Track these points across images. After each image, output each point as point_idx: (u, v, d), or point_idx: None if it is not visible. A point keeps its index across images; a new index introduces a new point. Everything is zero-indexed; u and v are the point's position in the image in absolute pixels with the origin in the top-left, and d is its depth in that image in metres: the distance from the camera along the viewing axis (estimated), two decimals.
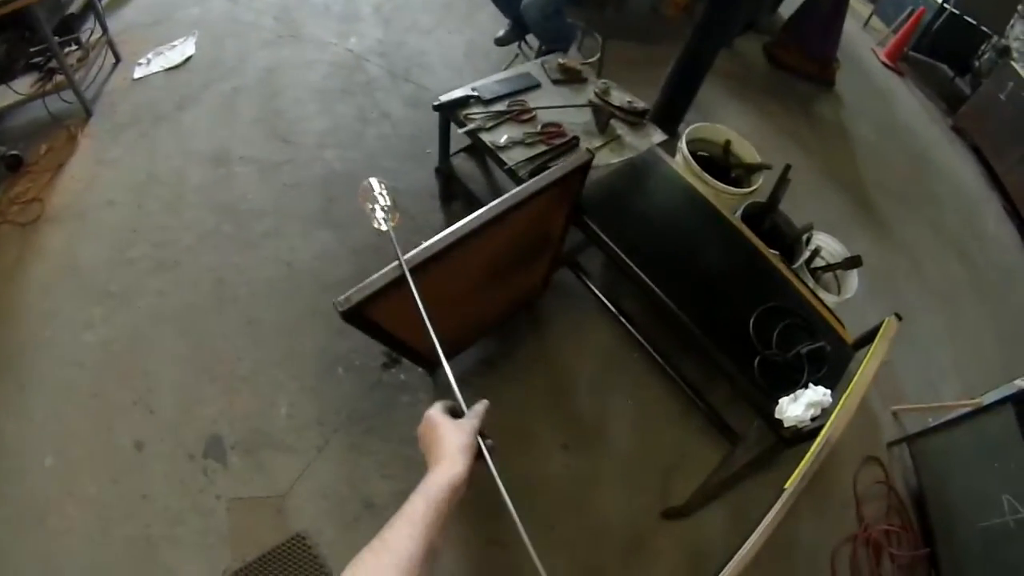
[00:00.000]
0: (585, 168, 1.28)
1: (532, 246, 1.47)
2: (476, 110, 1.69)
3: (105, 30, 2.57)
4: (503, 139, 1.63)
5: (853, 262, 1.84)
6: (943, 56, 3.92)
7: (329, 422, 1.64)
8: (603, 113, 1.73)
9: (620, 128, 1.78)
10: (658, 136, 1.80)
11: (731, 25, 2.20)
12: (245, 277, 1.92)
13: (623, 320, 1.78)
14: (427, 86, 2.55)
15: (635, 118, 1.78)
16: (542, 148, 1.64)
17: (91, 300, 1.88)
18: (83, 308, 1.86)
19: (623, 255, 1.37)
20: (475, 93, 1.73)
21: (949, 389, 2.08)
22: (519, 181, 1.53)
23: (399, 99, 2.50)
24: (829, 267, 1.89)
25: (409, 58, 2.68)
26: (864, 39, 4.05)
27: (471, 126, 1.63)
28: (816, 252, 1.90)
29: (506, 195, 1.13)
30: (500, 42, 2.40)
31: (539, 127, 1.69)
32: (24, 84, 2.40)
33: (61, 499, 1.46)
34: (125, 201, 2.17)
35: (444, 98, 1.71)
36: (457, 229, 1.06)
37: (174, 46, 2.71)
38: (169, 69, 2.60)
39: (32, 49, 2.37)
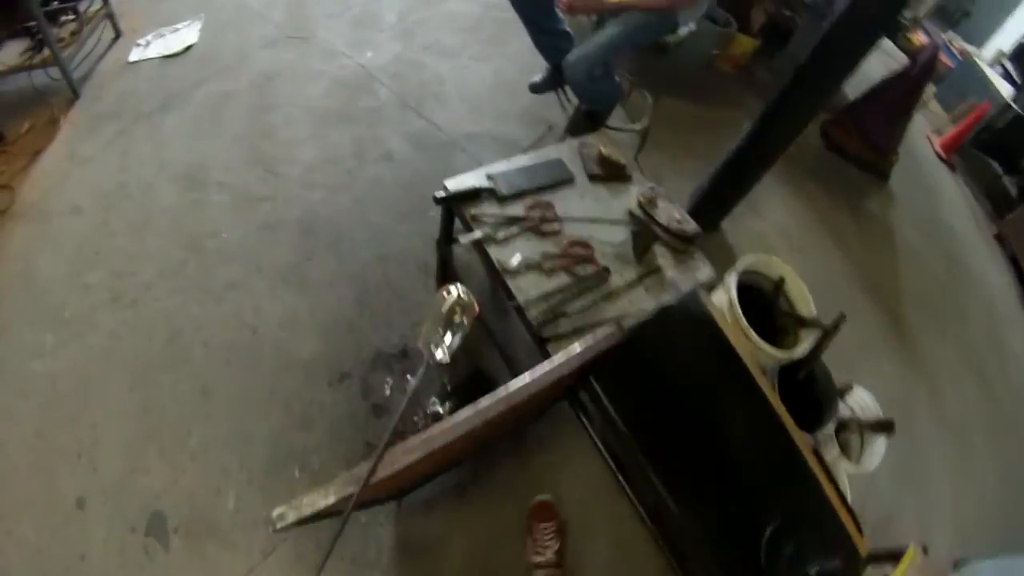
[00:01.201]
0: (614, 348, 1.27)
1: (528, 411, 1.50)
2: (488, 210, 1.60)
3: (106, 1, 2.64)
4: (515, 260, 1.51)
5: (884, 427, 1.85)
6: (996, 152, 4.07)
7: (282, 533, 1.75)
8: (644, 237, 1.63)
9: (662, 256, 1.65)
10: (705, 272, 1.69)
11: (809, 112, 2.17)
12: (203, 335, 2.04)
13: (616, 473, 1.77)
14: (439, 124, 2.59)
15: (681, 244, 1.66)
16: (563, 280, 1.52)
17: (44, 323, 2.02)
18: (35, 330, 2.00)
19: (626, 429, 1.34)
20: (490, 185, 1.64)
21: (941, 532, 2.17)
22: (528, 324, 1.48)
23: (405, 136, 2.57)
24: (856, 424, 1.91)
25: (424, 84, 2.72)
26: (919, 121, 4.06)
27: (478, 235, 1.55)
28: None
29: (508, 393, 1.11)
30: (535, 89, 2.43)
31: (563, 244, 1.58)
32: (13, 52, 2.49)
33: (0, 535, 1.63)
34: (92, 211, 2.32)
35: (451, 186, 1.63)
36: (447, 431, 1.02)
37: (177, 29, 2.79)
38: (166, 57, 2.70)
39: (20, 15, 2.44)
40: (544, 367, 1.17)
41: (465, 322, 0.86)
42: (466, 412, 1.06)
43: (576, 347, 1.24)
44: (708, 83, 3.11)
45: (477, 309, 0.88)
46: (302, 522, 0.95)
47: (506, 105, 2.71)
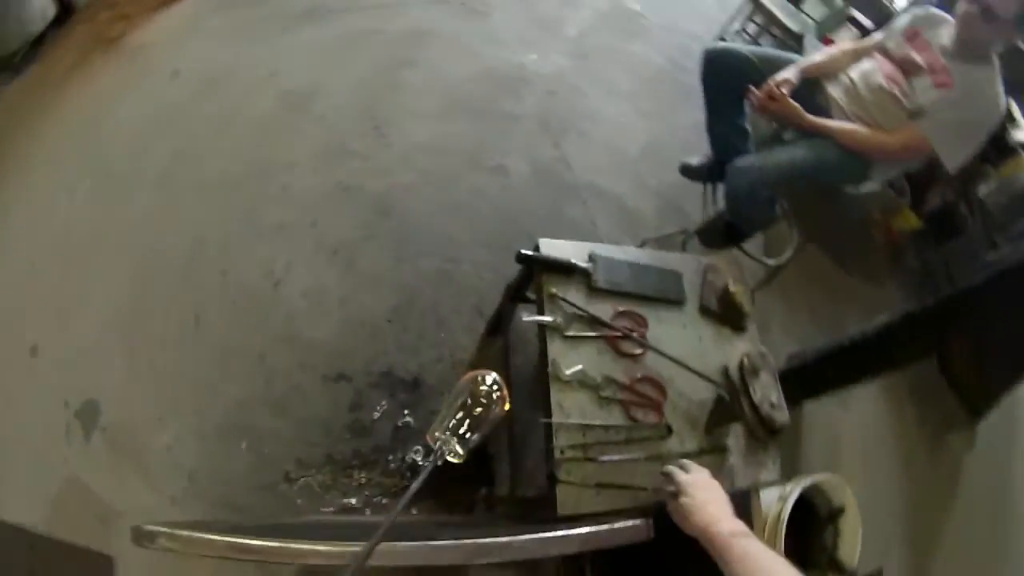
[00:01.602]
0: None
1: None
2: (572, 294, 1.60)
3: None
4: (572, 370, 1.49)
5: None
6: None
7: (199, 486, 1.87)
8: (726, 411, 1.61)
9: (734, 435, 1.64)
10: (771, 473, 1.68)
11: (949, 339, 2.23)
12: (224, 262, 2.20)
13: None
14: (571, 162, 2.76)
15: (763, 433, 1.65)
16: (615, 417, 1.49)
17: (89, 166, 2.30)
18: (78, 168, 2.29)
19: None
20: (587, 267, 1.64)
21: None
22: (548, 451, 1.43)
23: (529, 158, 2.73)
24: None
25: (575, 114, 2.91)
26: None
27: (546, 319, 1.55)
28: None
29: (473, 547, 1.09)
30: (686, 172, 2.55)
31: (635, 376, 1.56)
32: None
33: None
34: (188, 84, 2.58)
35: (543, 248, 1.64)
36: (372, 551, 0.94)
37: None
38: None
39: None
40: (533, 540, 1.12)
41: (490, 418, 0.86)
42: (413, 546, 1.04)
43: (584, 530, 1.20)
44: (856, 243, 3.14)
45: (507, 407, 0.89)
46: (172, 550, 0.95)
47: (649, 174, 2.82)
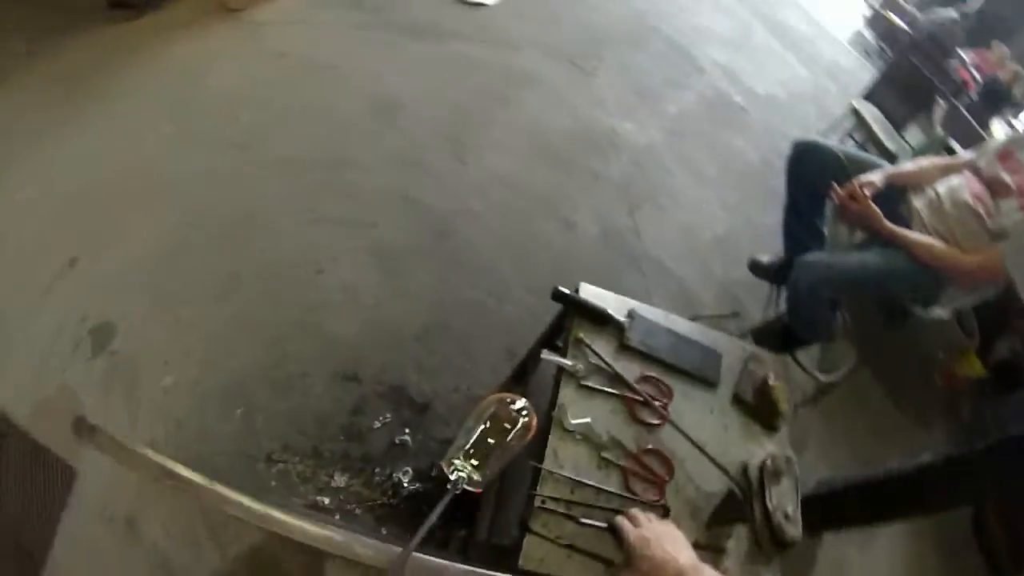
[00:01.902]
0: None
1: None
2: (599, 345, 1.68)
3: None
4: (579, 420, 1.55)
5: None
6: None
7: (181, 437, 2.08)
8: (734, 508, 1.64)
9: (736, 538, 1.65)
10: None
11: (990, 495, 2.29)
12: (272, 238, 2.52)
13: None
14: (640, 234, 2.99)
15: (769, 544, 1.66)
16: (610, 481, 1.53)
17: (175, 115, 2.73)
18: (166, 115, 2.74)
19: None
20: (623, 321, 1.72)
21: None
22: (528, 496, 1.47)
23: (599, 219, 2.97)
24: None
25: (655, 189, 3.16)
26: None
27: (565, 363, 1.63)
28: None
29: None
30: (754, 268, 2.70)
31: (643, 446, 1.60)
32: None
33: None
34: (289, 68, 3.01)
35: (583, 292, 1.76)
36: None
37: None
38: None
39: None
40: None
41: (514, 446, 0.87)
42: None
43: None
44: (913, 381, 3.20)
45: (532, 433, 0.91)
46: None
47: (717, 264, 3.00)
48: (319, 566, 0.93)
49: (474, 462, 0.84)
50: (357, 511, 2.07)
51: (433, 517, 0.79)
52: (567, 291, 1.73)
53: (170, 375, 2.20)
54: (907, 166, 2.40)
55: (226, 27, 3.07)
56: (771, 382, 1.84)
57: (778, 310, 2.64)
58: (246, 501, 0.92)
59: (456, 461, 0.84)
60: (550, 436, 1.54)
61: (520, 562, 1.35)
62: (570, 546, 1.41)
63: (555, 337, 1.96)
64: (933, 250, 2.14)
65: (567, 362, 1.64)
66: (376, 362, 2.36)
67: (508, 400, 0.91)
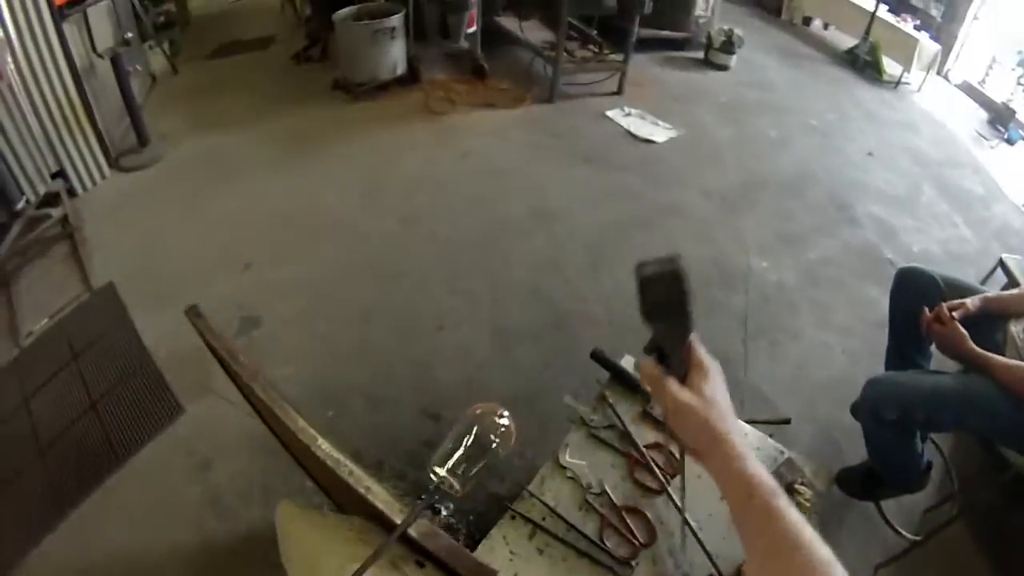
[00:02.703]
0: None
1: None
2: (623, 405, 1.74)
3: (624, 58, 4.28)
4: (575, 460, 1.60)
5: None
6: None
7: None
8: None
9: None
10: None
11: None
12: (416, 293, 3.00)
13: None
14: (749, 364, 3.00)
15: None
16: (584, 528, 1.51)
17: (366, 181, 3.55)
18: (360, 178, 3.53)
19: None
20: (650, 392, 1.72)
21: None
22: (502, 507, 1.54)
23: (713, 344, 2.99)
24: None
25: (777, 324, 3.18)
26: None
27: (583, 410, 1.70)
28: None
29: None
30: (856, 412, 2.54)
31: (630, 505, 1.57)
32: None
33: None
34: (464, 167, 3.72)
35: (625, 360, 1.83)
36: None
37: (656, 124, 4.19)
38: (629, 132, 4.08)
39: None
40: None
41: (496, 449, 0.90)
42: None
43: None
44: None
45: (513, 441, 0.94)
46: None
47: (821, 405, 2.89)
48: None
49: (456, 470, 0.88)
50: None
51: (413, 517, 0.85)
52: (604, 353, 1.82)
53: (289, 368, 2.64)
54: (1007, 293, 2.22)
55: (426, 124, 3.85)
56: (797, 487, 1.73)
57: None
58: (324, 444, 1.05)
59: (438, 468, 0.88)
60: (544, 466, 1.60)
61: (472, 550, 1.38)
62: (516, 555, 1.45)
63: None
64: (1019, 371, 1.85)
65: (585, 409, 1.71)
66: (460, 410, 2.58)
67: (494, 412, 0.95)
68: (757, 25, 6.17)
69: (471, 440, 0.90)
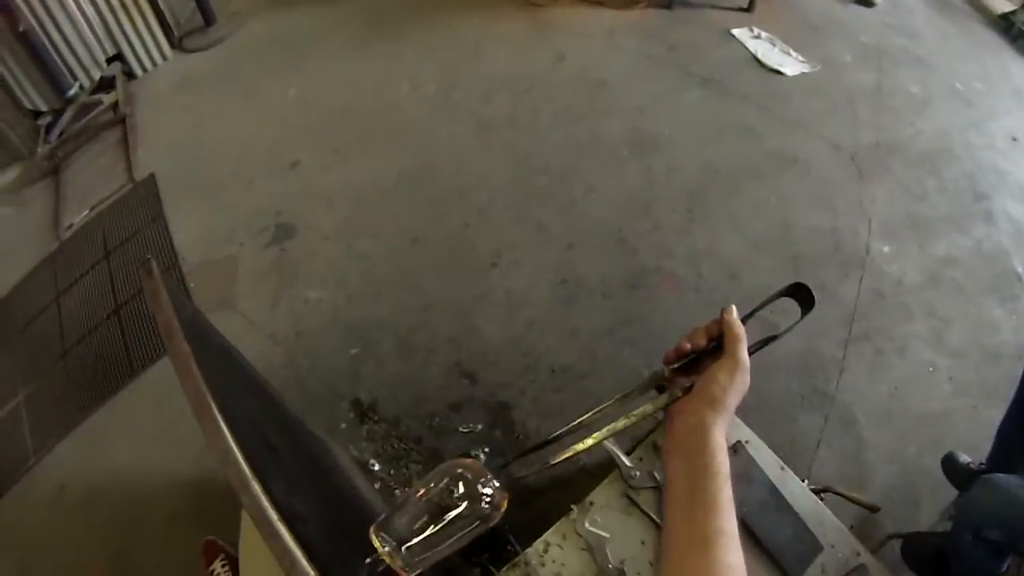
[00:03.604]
0: None
1: None
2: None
3: None
4: (596, 528, 1.29)
5: None
6: None
7: (294, 346, 2.28)
8: None
9: None
10: None
11: None
12: (474, 219, 2.63)
13: None
14: (844, 373, 2.47)
15: None
16: None
17: (443, 76, 3.11)
18: (436, 71, 3.10)
19: None
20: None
21: None
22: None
23: (810, 340, 2.52)
24: None
25: (882, 330, 2.56)
26: None
27: (627, 461, 1.36)
28: None
29: None
30: (947, 465, 2.23)
31: None
32: None
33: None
34: (557, 72, 3.21)
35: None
36: None
37: (788, 52, 3.50)
38: (755, 59, 3.40)
39: None
40: None
41: (466, 534, 0.69)
42: None
43: None
44: None
45: (501, 514, 0.71)
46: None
47: (913, 440, 2.35)
48: None
49: (407, 551, 0.68)
50: (397, 493, 2.03)
51: None
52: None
53: (319, 291, 2.40)
54: None
55: (519, 16, 3.32)
56: None
57: (947, 525, 2.16)
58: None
59: (380, 538, 0.68)
60: (557, 522, 1.30)
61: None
62: None
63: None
64: None
65: (626, 461, 1.39)
66: (500, 373, 2.30)
67: (478, 478, 0.70)
68: None
69: (436, 521, 0.68)
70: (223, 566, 1.93)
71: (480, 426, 2.18)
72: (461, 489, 0.69)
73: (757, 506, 1.42)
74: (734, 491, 1.32)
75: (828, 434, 2.47)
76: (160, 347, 2.33)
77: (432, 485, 0.70)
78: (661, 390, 0.85)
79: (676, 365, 0.81)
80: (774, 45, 3.57)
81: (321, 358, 2.27)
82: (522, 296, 2.45)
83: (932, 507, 2.28)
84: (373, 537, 0.68)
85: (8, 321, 2.55)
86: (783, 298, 0.88)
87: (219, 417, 0.80)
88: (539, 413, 2.23)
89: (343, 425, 2.13)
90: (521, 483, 0.74)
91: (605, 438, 0.77)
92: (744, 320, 0.81)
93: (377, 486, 2.03)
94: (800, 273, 2.77)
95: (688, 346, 0.81)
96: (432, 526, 0.67)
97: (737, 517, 1.35)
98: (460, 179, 2.73)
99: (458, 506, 0.68)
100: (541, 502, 2.11)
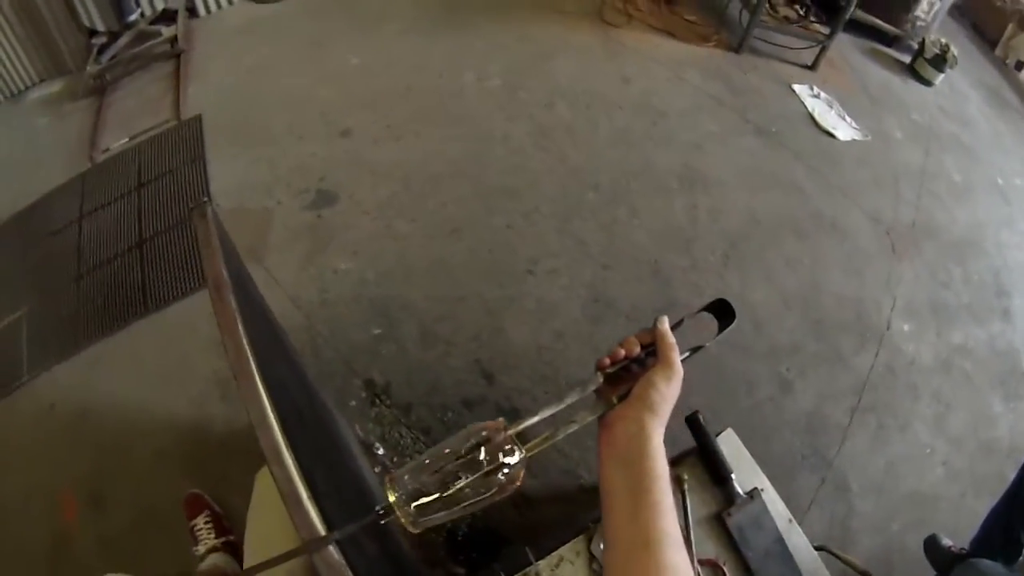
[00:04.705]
0: None
1: None
2: (696, 495, 1.48)
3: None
4: None
5: None
6: None
7: (317, 313, 2.24)
8: None
9: None
10: None
11: None
12: (520, 222, 2.59)
13: None
14: (847, 440, 2.49)
15: None
16: None
17: (509, 73, 3.06)
18: (502, 67, 3.10)
19: None
20: (739, 493, 1.50)
21: None
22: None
23: (818, 398, 2.54)
24: None
25: (896, 404, 2.70)
26: None
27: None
28: None
29: None
30: (929, 547, 2.21)
31: None
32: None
33: None
34: (622, 92, 3.19)
35: (725, 437, 1.59)
36: None
37: (843, 118, 3.51)
38: (811, 117, 3.44)
39: None
40: None
41: (482, 497, 0.67)
42: None
43: None
44: None
45: (510, 491, 0.69)
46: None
47: (898, 518, 2.53)
48: None
49: (418, 507, 0.65)
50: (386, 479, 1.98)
51: (343, 532, 0.66)
52: (702, 420, 1.52)
53: (349, 263, 2.34)
54: None
55: (593, 32, 3.33)
56: None
57: None
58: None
59: (393, 491, 0.65)
60: (570, 542, 1.32)
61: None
62: None
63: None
64: None
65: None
66: (518, 379, 2.27)
67: (504, 443, 0.68)
68: (967, 49, 5.21)
69: (460, 460, 0.66)
70: (206, 523, 1.86)
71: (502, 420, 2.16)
72: (483, 455, 0.67)
73: (763, 553, 1.44)
74: (746, 537, 1.43)
75: (822, 495, 2.47)
76: (178, 289, 2.27)
77: (455, 446, 0.67)
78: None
79: (611, 371, 0.80)
80: (831, 107, 3.60)
81: (341, 330, 2.22)
82: (553, 307, 2.41)
83: None
84: (386, 487, 0.66)
85: (26, 232, 2.47)
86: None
87: (259, 381, 0.76)
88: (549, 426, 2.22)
89: (353, 403, 2.08)
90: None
91: (540, 448, 0.71)
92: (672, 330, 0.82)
93: (377, 470, 1.98)
94: (821, 335, 2.78)
95: (623, 352, 0.80)
96: (446, 488, 0.65)
97: (741, 562, 1.42)
98: (510, 179, 2.69)
99: (477, 471, 0.66)
100: (538, 510, 2.11)
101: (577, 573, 1.29)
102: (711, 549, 1.40)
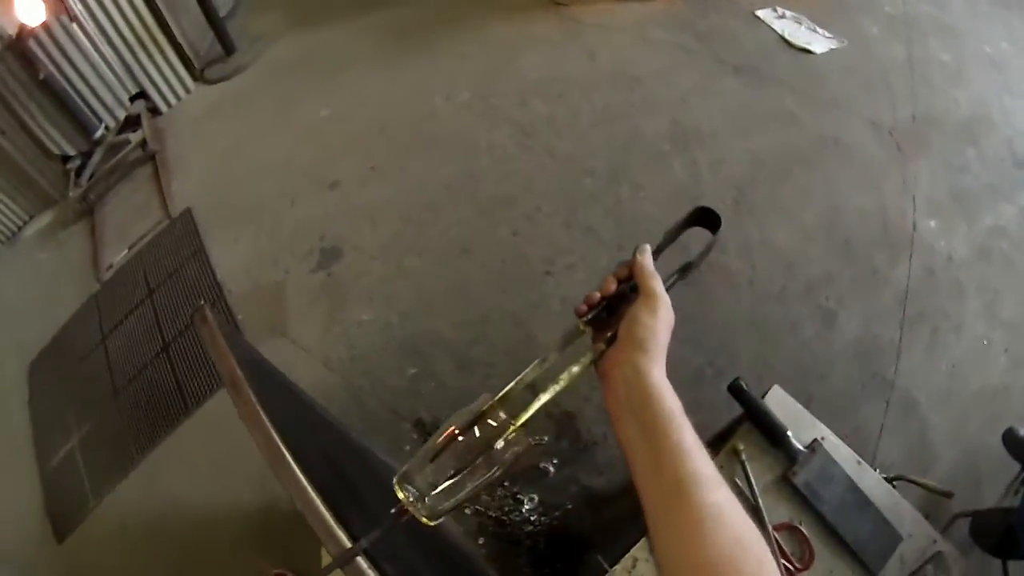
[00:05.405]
0: None
1: None
2: (756, 464, 1.42)
3: None
4: None
5: None
6: None
7: (348, 370, 2.26)
8: None
9: None
10: None
11: None
12: (526, 227, 2.57)
13: None
14: (902, 357, 2.41)
15: None
16: None
17: (477, 85, 3.07)
18: (470, 80, 3.05)
19: None
20: (799, 449, 1.43)
21: None
22: None
23: (866, 324, 2.48)
24: None
25: (938, 308, 2.57)
26: None
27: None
28: None
29: None
30: (1009, 441, 2.13)
31: None
32: None
33: None
34: (590, 71, 3.16)
35: (773, 395, 1.53)
36: None
37: (815, 30, 3.43)
38: (784, 39, 3.36)
39: None
40: None
41: (485, 477, 0.68)
42: None
43: None
44: None
45: (519, 458, 0.70)
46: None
47: (972, 419, 2.49)
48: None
49: (436, 486, 0.66)
50: (466, 511, 2.01)
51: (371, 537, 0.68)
52: (745, 386, 1.45)
53: (370, 312, 2.35)
54: None
55: (549, 18, 3.29)
56: None
57: (1013, 500, 2.15)
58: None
59: (407, 486, 0.67)
60: (641, 540, 1.30)
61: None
62: None
63: (726, 436, 1.59)
64: None
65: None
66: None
67: (491, 411, 0.70)
68: None
69: (455, 468, 0.66)
70: None
71: (546, 437, 2.14)
72: (477, 434, 0.68)
73: (838, 505, 1.39)
74: (816, 492, 1.38)
75: (890, 419, 2.42)
76: (213, 381, 2.30)
77: (448, 433, 0.68)
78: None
79: (590, 316, 0.75)
80: (800, 23, 3.50)
81: (379, 380, 2.22)
82: (578, 302, 2.39)
83: (995, 484, 2.26)
84: (396, 488, 0.67)
85: (57, 366, 2.53)
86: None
87: (294, 465, 0.79)
88: (604, 420, 2.18)
89: (407, 447, 2.08)
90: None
91: (533, 410, 0.71)
92: (655, 257, 0.77)
93: None
94: (852, 257, 2.71)
95: (599, 295, 0.76)
96: (452, 474, 0.66)
97: (818, 518, 1.37)
98: (504, 186, 2.67)
99: (477, 452, 0.67)
100: (612, 508, 2.09)
101: (655, 570, 1.25)
102: (784, 512, 1.36)
